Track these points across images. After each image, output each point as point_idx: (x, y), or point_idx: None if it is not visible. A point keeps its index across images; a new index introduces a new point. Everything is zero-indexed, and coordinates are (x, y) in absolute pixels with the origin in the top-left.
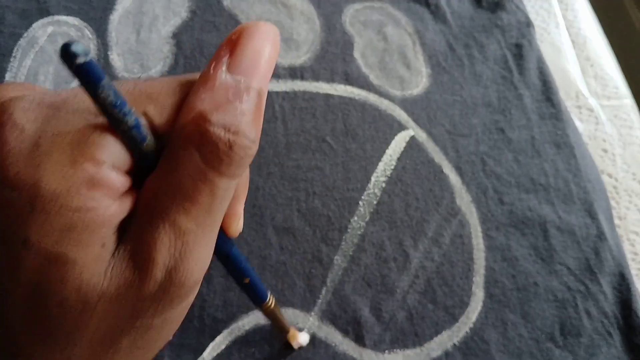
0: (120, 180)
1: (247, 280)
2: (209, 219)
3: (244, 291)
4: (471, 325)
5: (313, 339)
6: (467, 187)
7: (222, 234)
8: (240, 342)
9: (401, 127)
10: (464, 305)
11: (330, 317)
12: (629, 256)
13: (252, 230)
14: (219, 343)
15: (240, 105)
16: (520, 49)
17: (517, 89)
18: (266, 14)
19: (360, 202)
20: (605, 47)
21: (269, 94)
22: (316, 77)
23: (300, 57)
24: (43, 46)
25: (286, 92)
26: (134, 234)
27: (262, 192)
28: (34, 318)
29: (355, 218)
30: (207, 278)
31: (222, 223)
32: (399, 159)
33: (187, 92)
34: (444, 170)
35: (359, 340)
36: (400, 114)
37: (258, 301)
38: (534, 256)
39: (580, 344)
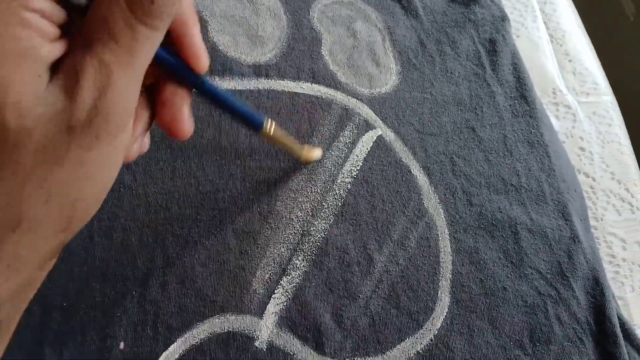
0: (51, 28)
1: (233, 111)
2: (132, 59)
3: (239, 122)
4: (436, 332)
5: (270, 347)
6: (435, 188)
7: (191, 71)
8: (195, 351)
9: (369, 127)
10: (429, 310)
11: (289, 324)
12: (605, 259)
13: (211, 234)
14: (173, 352)
15: None
16: (494, 45)
17: (490, 86)
18: (231, 10)
19: (325, 204)
20: (586, 42)
21: (232, 93)
22: (282, 76)
23: (266, 55)
24: None
25: (250, 91)
26: (65, 68)
27: (222, 195)
28: None
29: (319, 220)
30: (162, 284)
31: (187, 60)
32: (365, 159)
33: None
34: (411, 171)
35: (319, 348)
36: (368, 113)
37: (254, 128)
38: (504, 260)
39: (550, 351)
